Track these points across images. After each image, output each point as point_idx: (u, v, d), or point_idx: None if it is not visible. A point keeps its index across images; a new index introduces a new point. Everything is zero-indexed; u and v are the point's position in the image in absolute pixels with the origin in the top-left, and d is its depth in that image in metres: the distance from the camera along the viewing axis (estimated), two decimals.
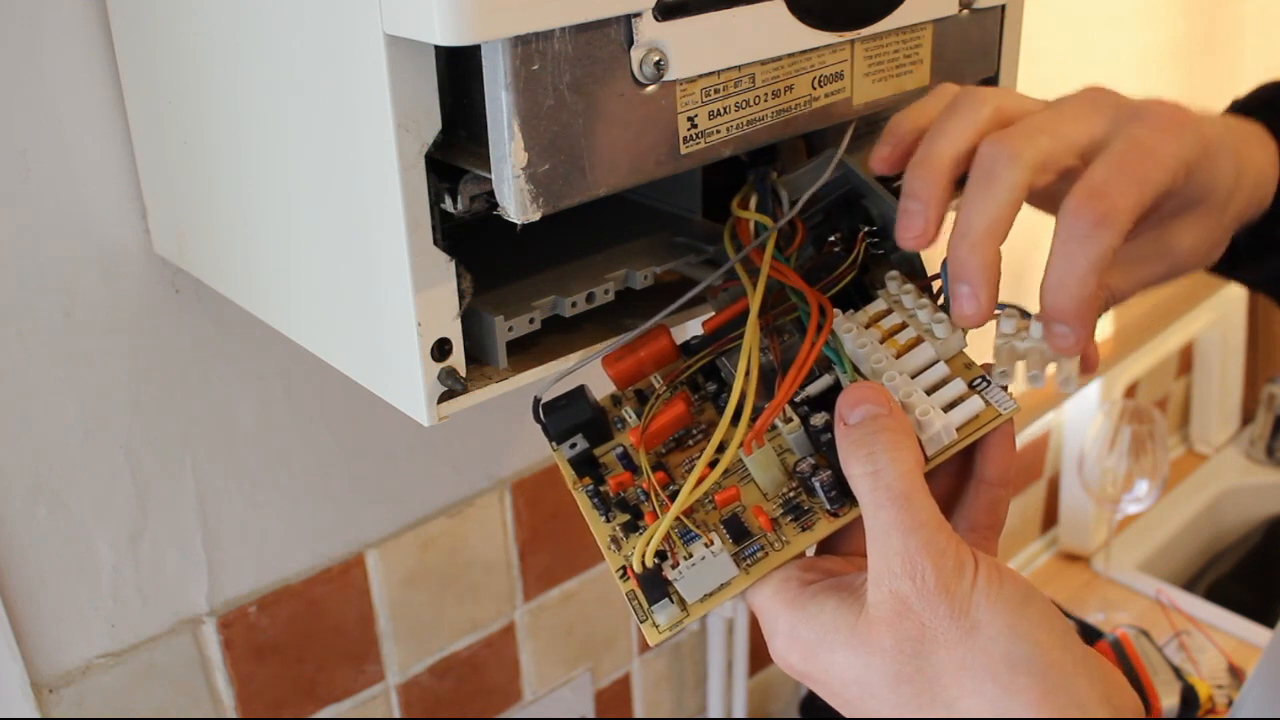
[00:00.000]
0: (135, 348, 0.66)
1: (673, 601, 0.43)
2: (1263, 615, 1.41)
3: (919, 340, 0.46)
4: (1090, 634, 1.29)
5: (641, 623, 0.44)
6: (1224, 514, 1.72)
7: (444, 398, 0.46)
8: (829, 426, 0.44)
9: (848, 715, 0.40)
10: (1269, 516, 1.72)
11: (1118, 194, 0.41)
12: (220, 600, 0.74)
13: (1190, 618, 1.42)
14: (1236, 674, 1.30)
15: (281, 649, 0.79)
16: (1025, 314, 0.45)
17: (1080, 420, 1.50)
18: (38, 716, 0.67)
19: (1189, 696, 1.17)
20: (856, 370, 0.46)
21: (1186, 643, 1.36)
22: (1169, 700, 1.16)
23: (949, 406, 0.44)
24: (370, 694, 0.86)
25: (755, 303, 0.47)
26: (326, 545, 0.79)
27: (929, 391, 0.45)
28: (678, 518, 0.44)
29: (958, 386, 0.45)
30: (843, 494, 0.44)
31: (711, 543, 0.43)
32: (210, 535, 0.72)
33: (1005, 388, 0.46)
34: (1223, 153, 0.47)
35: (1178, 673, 1.19)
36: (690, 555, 0.42)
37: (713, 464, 0.46)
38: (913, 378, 0.45)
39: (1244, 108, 0.54)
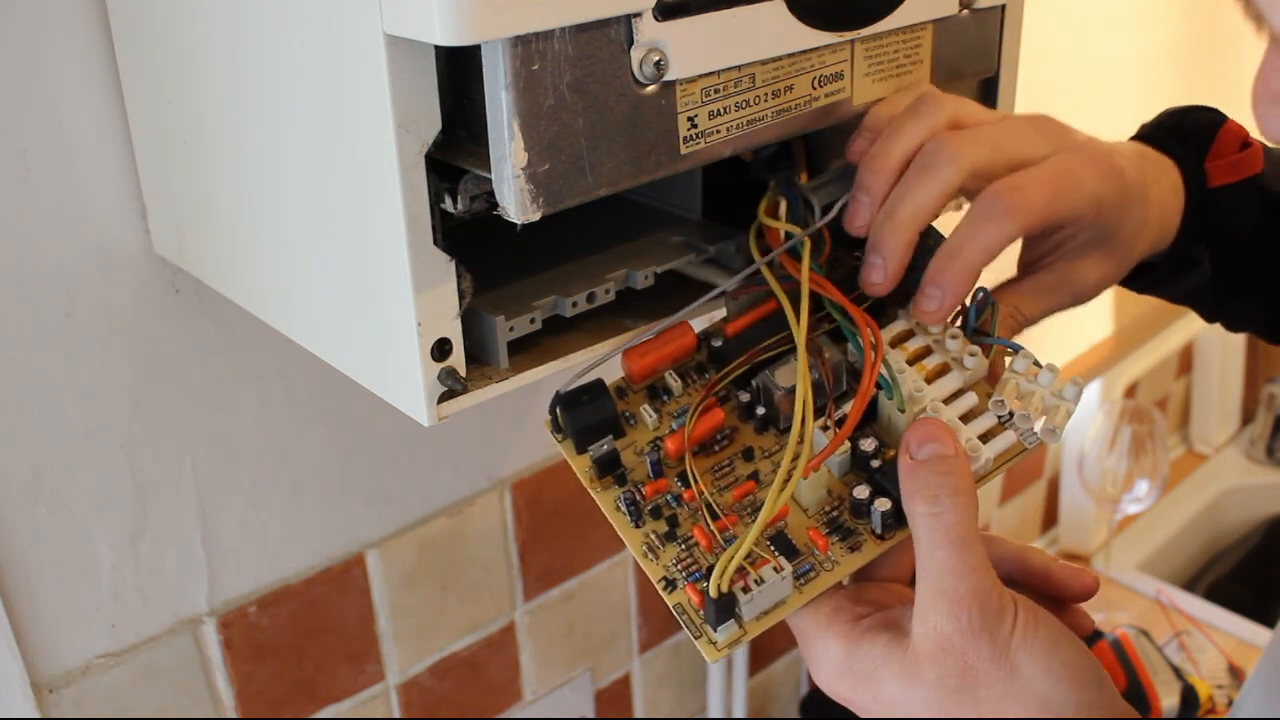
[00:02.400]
0: (135, 348, 0.66)
1: (734, 620, 0.44)
2: (1263, 615, 1.41)
3: (946, 367, 0.48)
4: (1090, 634, 1.29)
5: (695, 639, 0.44)
6: (1224, 514, 1.72)
7: (444, 398, 0.46)
8: (878, 452, 0.46)
9: None
10: (1269, 516, 1.72)
11: (1033, 194, 0.47)
12: (220, 600, 0.74)
13: (1190, 618, 1.41)
14: (1236, 674, 1.30)
15: (281, 649, 0.79)
16: (1038, 362, 0.48)
17: (1080, 420, 1.50)
18: (38, 716, 0.67)
19: (1189, 696, 1.17)
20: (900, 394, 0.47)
21: (1186, 643, 1.36)
22: (1169, 700, 1.16)
23: (984, 437, 0.46)
24: (370, 694, 0.86)
25: (802, 330, 0.47)
26: (326, 545, 0.79)
27: (964, 420, 0.47)
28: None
29: (990, 419, 0.47)
30: (897, 521, 0.45)
31: (781, 568, 0.43)
32: (210, 535, 0.72)
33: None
34: (1136, 203, 0.52)
35: (1178, 673, 1.19)
36: (761, 580, 0.43)
37: (754, 477, 0.47)
38: (945, 404, 0.47)
39: (1151, 135, 0.57)
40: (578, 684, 1.02)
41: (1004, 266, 0.52)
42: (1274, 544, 1.70)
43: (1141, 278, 0.58)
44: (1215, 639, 1.37)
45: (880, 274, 0.47)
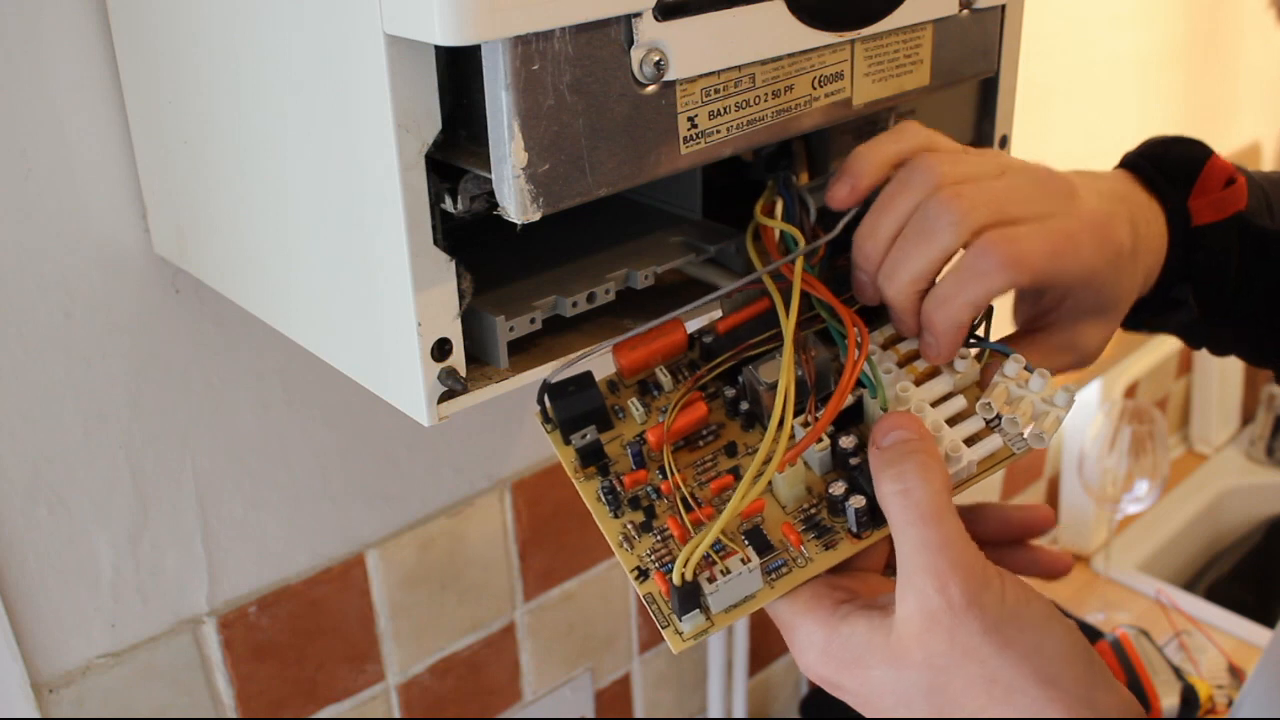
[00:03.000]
0: (135, 348, 0.66)
1: (700, 611, 0.44)
2: (1263, 615, 1.41)
3: (937, 371, 0.48)
4: (1090, 634, 1.29)
5: (662, 628, 0.44)
6: (1224, 514, 1.72)
7: (444, 398, 0.46)
8: (858, 450, 0.46)
9: None
10: (1269, 516, 1.72)
11: (1028, 250, 0.46)
12: (220, 600, 0.74)
13: (1190, 618, 1.41)
14: (1236, 674, 1.30)
15: (281, 649, 0.79)
16: (1029, 367, 0.48)
17: (1080, 420, 1.50)
18: (38, 716, 0.67)
19: (1189, 696, 1.17)
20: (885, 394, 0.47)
21: (1186, 643, 1.36)
22: (1169, 700, 1.16)
23: (969, 440, 0.46)
24: (370, 694, 0.86)
25: (790, 325, 0.47)
26: (326, 545, 0.79)
27: (950, 423, 0.47)
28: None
29: (977, 422, 0.47)
30: (872, 519, 0.45)
31: (748, 559, 0.43)
32: (210, 535, 0.72)
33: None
34: (1127, 272, 0.52)
35: (1178, 673, 1.19)
36: (728, 571, 0.43)
37: (734, 472, 0.47)
38: (933, 406, 0.47)
39: (1135, 165, 0.56)
40: (578, 684, 1.02)
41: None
42: (1274, 544, 1.70)
43: (1129, 317, 0.58)
44: (1215, 639, 1.37)
45: (902, 328, 0.49)
